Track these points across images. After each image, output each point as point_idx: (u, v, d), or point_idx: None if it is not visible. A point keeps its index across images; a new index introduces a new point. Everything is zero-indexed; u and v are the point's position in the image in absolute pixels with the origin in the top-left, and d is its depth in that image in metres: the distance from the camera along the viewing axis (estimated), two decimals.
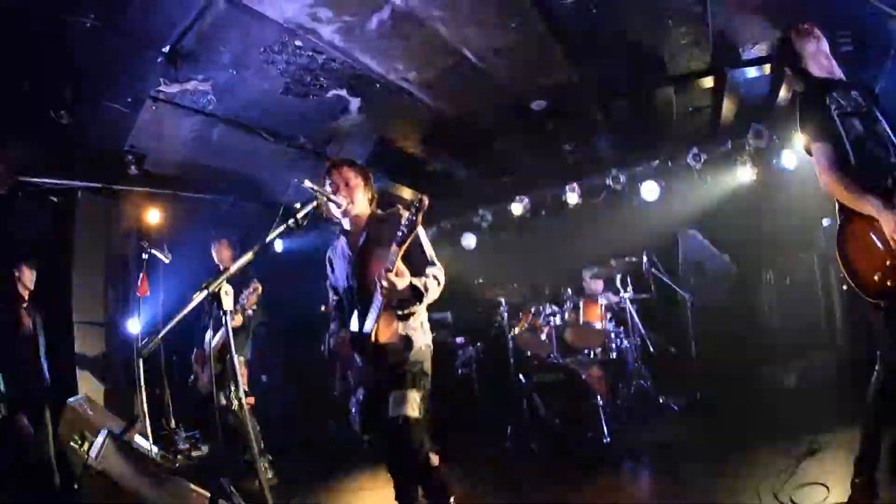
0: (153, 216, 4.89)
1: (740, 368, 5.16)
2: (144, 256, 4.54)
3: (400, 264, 2.42)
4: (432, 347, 2.75)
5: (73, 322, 4.55)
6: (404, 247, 2.42)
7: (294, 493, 3.94)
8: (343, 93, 4.29)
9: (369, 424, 2.72)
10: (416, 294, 2.52)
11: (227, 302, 2.12)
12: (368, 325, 2.56)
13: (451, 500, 2.66)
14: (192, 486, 2.31)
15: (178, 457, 4.62)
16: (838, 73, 2.53)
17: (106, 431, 2.21)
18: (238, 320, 3.98)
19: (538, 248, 6.46)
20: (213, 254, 4.46)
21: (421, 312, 2.73)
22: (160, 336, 2.17)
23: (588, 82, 4.51)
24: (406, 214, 2.45)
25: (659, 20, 3.75)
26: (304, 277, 6.10)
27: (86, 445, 2.79)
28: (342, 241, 2.83)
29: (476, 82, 4.27)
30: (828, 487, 2.67)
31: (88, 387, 4.48)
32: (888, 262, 2.22)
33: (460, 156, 5.75)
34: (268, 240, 2.31)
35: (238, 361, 4.06)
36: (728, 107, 5.11)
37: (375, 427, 2.71)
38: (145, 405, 4.28)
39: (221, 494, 2.22)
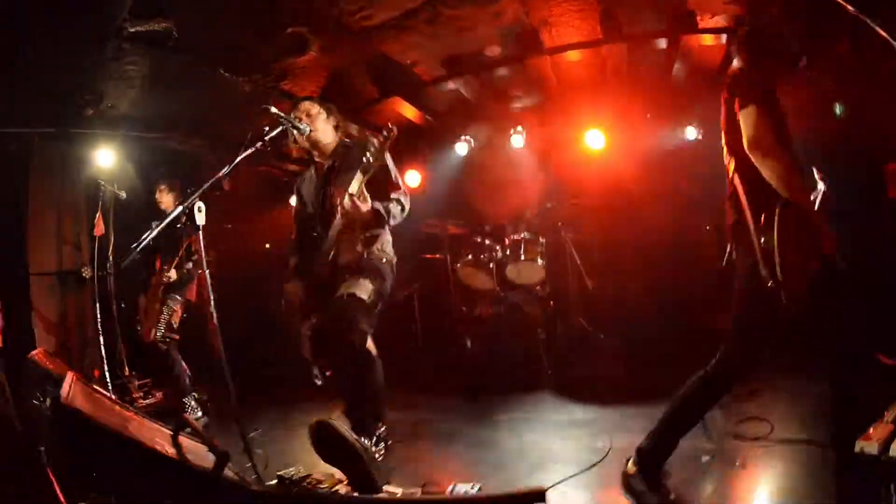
0: (106, 158, 4.68)
1: (679, 309, 5.25)
2: (101, 194, 4.52)
3: (363, 188, 2.55)
4: (394, 263, 2.87)
5: (29, 274, 4.48)
6: (368, 174, 2.55)
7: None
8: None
9: (321, 351, 2.79)
10: (379, 218, 2.68)
11: (200, 218, 2.31)
12: (327, 244, 2.67)
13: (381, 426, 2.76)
14: (158, 422, 2.50)
15: (134, 405, 4.77)
16: None
17: (71, 374, 2.36)
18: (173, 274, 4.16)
19: (481, 187, 6.46)
20: (157, 196, 4.45)
21: (385, 234, 2.87)
22: (140, 245, 2.46)
23: None
24: (374, 142, 2.57)
25: None
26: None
27: (48, 402, 2.84)
28: (312, 170, 2.95)
29: None
30: (771, 424, 2.82)
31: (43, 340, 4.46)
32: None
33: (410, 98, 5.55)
34: (238, 160, 2.47)
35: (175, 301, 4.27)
36: None
37: (327, 354, 2.79)
38: (103, 353, 4.36)
39: (184, 428, 2.32)
